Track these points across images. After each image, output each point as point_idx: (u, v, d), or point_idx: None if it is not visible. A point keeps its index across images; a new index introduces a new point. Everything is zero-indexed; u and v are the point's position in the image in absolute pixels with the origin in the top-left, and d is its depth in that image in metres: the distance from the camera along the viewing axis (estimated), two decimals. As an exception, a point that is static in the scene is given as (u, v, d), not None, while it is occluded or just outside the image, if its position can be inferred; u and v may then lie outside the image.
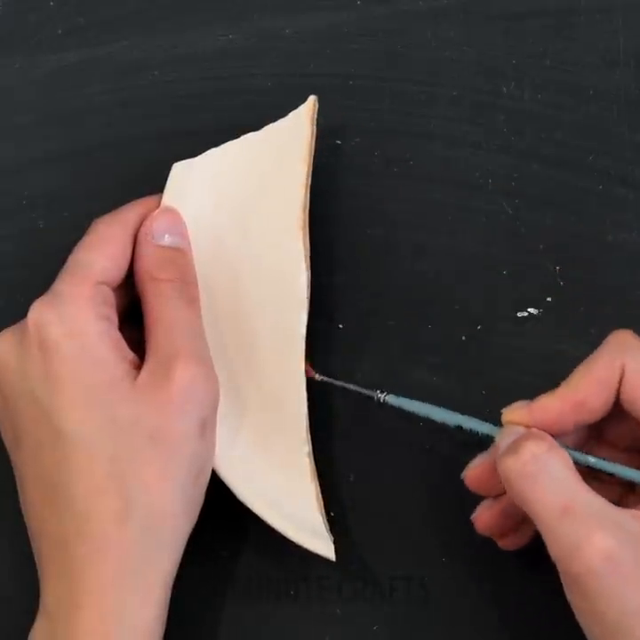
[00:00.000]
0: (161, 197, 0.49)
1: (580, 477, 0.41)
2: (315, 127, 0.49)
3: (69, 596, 0.42)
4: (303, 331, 0.48)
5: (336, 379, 0.48)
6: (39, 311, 0.44)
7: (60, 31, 0.54)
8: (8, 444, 0.45)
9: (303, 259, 0.49)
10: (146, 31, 0.54)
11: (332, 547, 0.46)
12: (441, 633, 0.48)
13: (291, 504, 0.47)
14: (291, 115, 0.50)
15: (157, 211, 0.48)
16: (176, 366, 0.44)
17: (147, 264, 0.47)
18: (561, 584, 0.47)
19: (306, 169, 0.49)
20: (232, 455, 0.47)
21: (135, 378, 0.44)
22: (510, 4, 0.53)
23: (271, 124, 0.50)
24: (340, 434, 0.50)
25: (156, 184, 0.50)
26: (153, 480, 0.43)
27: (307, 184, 0.49)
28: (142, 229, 0.47)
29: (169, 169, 0.50)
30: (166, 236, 0.47)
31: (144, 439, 0.43)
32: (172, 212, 0.48)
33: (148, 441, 0.43)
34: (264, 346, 0.48)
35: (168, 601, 0.44)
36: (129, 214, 0.47)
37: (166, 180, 0.49)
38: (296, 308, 0.48)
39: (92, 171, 0.53)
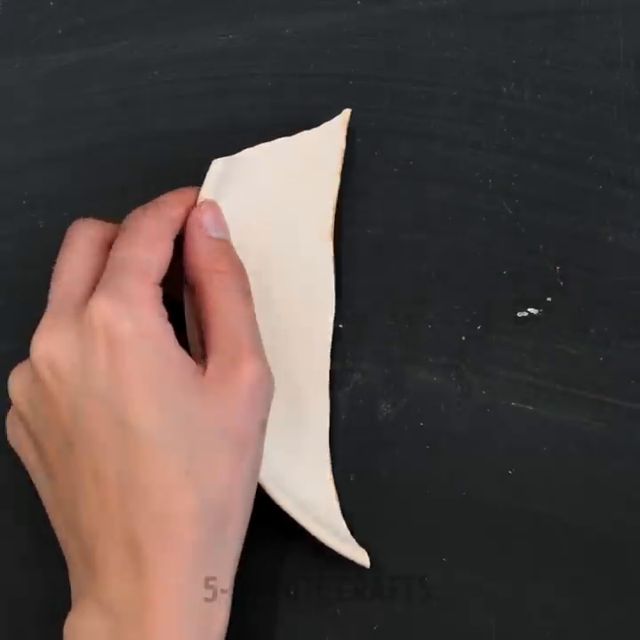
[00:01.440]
0: (196, 191, 0.48)
1: None
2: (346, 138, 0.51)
3: (141, 596, 0.41)
4: (330, 338, 0.50)
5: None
6: (107, 308, 0.43)
7: (59, 31, 0.54)
8: (50, 450, 0.44)
9: (332, 266, 0.50)
10: (146, 31, 0.54)
11: (365, 552, 0.47)
12: (441, 633, 0.48)
13: (320, 510, 0.48)
14: (324, 126, 0.51)
15: (202, 203, 0.48)
16: (243, 364, 0.44)
17: (205, 256, 0.46)
18: (560, 584, 0.48)
19: (339, 180, 0.51)
20: (267, 460, 0.47)
21: (202, 374, 0.44)
22: (510, 5, 0.53)
23: (304, 132, 0.51)
24: (341, 434, 0.50)
25: (156, 184, 0.50)
26: (226, 479, 0.43)
27: (337, 195, 0.51)
28: (192, 222, 0.47)
29: (168, 168, 0.52)
30: (215, 229, 0.47)
31: (216, 438, 0.43)
32: (216, 205, 0.48)
33: (221, 440, 0.43)
34: (290, 349, 0.49)
35: (231, 603, 0.44)
36: (173, 212, 0.47)
37: (167, 179, 0.49)
38: (323, 314, 0.50)
39: (93, 171, 0.53)
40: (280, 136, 0.51)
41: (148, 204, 0.47)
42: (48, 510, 0.45)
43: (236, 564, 0.44)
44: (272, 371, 0.47)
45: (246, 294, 0.47)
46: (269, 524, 0.48)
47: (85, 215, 0.47)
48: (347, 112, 0.51)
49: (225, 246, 0.47)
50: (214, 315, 0.46)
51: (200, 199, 0.48)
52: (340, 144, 0.51)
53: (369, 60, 0.53)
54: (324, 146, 0.51)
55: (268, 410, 0.45)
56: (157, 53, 0.53)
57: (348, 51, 0.53)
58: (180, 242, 0.47)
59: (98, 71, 0.54)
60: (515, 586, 0.48)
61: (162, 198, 0.47)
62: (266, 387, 0.45)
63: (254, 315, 0.47)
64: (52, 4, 0.55)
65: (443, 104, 0.53)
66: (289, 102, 0.52)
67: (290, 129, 0.51)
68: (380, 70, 0.53)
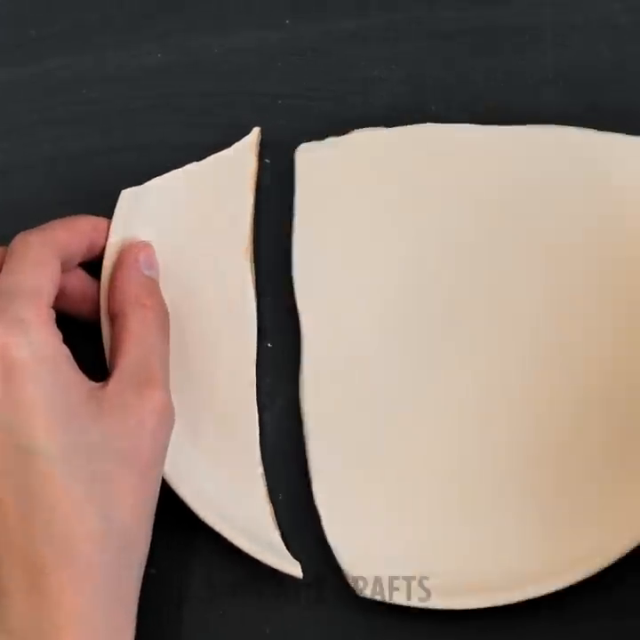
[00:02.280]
0: (84, 218, 0.49)
1: None
2: (257, 158, 0.51)
3: (48, 621, 0.41)
4: (254, 356, 0.50)
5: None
6: (1, 336, 0.43)
7: (-13, 50, 0.54)
8: None
9: (252, 287, 0.50)
10: (74, 50, 0.53)
11: (298, 564, 0.48)
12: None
13: (252, 524, 0.48)
14: (234, 146, 0.51)
15: (139, 242, 0.49)
16: (150, 391, 0.45)
17: (134, 289, 0.48)
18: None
19: (252, 200, 0.51)
20: (193, 476, 0.48)
21: (102, 396, 0.45)
22: (440, 24, 0.53)
23: (214, 155, 0.51)
24: (268, 454, 0.50)
25: (82, 203, 0.50)
26: (129, 501, 0.43)
27: (253, 214, 0.51)
28: (128, 255, 0.49)
29: (96, 187, 0.52)
30: (148, 267, 0.49)
31: (118, 461, 0.44)
32: (151, 246, 0.50)
33: (123, 463, 0.44)
34: (216, 371, 0.50)
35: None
36: (57, 236, 0.47)
37: (93, 197, 0.51)
38: (246, 334, 0.50)
39: (18, 190, 0.52)
40: (209, 154, 0.51)
41: (33, 229, 0.47)
42: None
43: (140, 584, 0.45)
44: (197, 392, 0.49)
45: (164, 333, 0.48)
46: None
47: (12, 234, 0.47)
48: (256, 131, 0.51)
49: (154, 285, 0.49)
50: (129, 342, 0.47)
51: (111, 230, 0.49)
52: (252, 163, 0.51)
53: (297, 78, 0.53)
54: (235, 166, 0.51)
55: (169, 437, 0.46)
56: (85, 72, 0.53)
57: (276, 69, 0.53)
58: (92, 269, 0.49)
59: (25, 90, 0.53)
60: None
61: (48, 224, 0.48)
62: (169, 416, 0.46)
63: (168, 353, 0.48)
64: (-21, 22, 0.54)
65: (372, 123, 0.52)
66: (218, 121, 0.52)
67: (218, 147, 0.51)
68: (309, 89, 0.53)
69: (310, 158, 0.51)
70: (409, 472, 0.49)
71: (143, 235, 0.50)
